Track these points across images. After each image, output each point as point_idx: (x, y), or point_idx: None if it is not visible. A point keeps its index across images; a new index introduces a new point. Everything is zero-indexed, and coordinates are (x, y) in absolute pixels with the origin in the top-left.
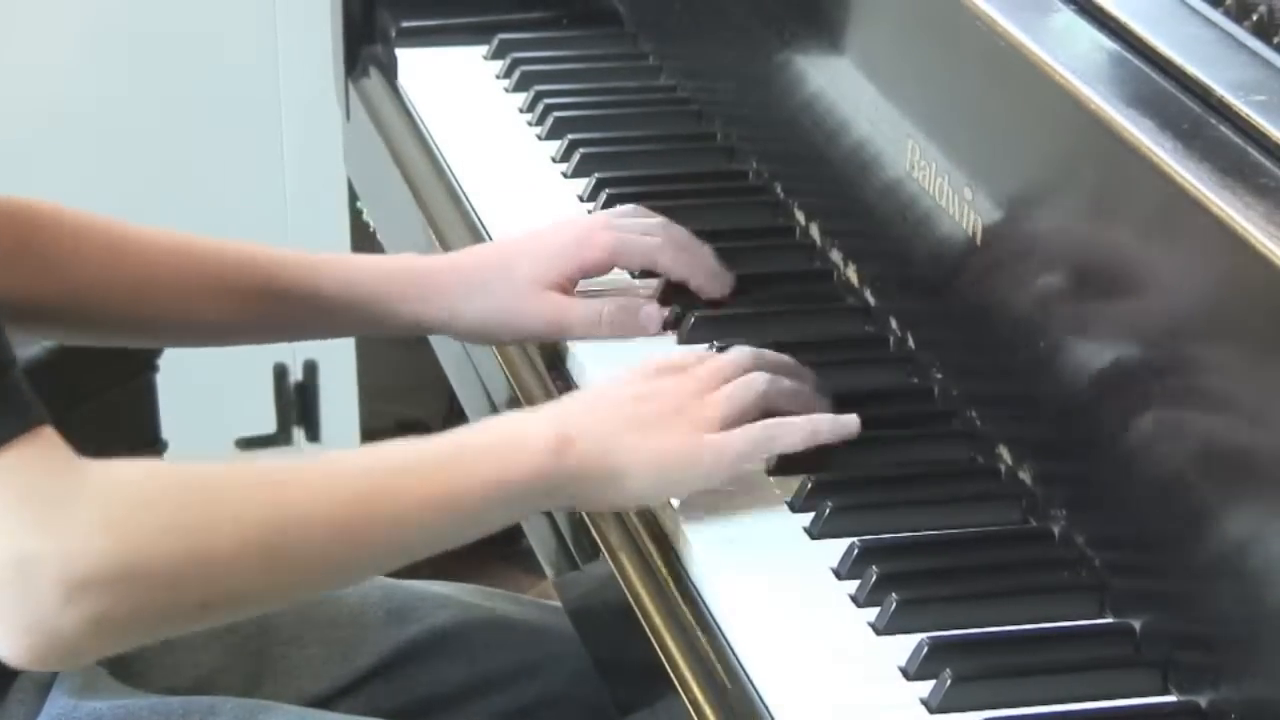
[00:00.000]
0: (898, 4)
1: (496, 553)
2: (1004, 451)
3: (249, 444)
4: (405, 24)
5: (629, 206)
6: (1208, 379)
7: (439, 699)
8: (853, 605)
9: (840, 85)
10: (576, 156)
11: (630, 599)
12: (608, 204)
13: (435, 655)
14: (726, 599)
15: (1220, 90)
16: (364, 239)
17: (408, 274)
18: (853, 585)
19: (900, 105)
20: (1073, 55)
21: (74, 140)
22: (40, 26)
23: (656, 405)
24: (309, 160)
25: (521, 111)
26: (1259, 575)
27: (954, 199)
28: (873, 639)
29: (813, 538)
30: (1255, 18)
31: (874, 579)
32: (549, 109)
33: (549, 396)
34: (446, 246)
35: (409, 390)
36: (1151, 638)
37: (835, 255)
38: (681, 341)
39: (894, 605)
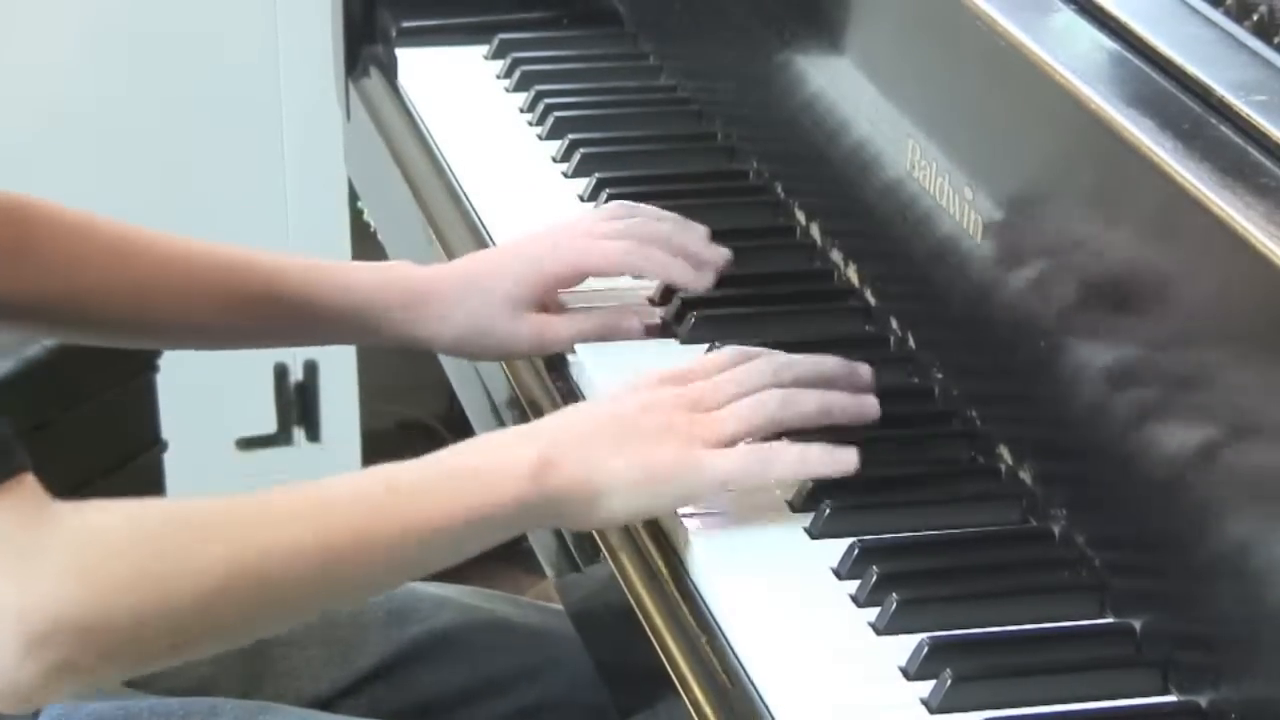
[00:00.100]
0: (898, 4)
1: (497, 553)
2: (1004, 451)
3: (249, 444)
4: (405, 24)
5: (613, 205)
6: (1208, 379)
7: (439, 701)
8: (853, 605)
9: (840, 85)
10: (577, 156)
11: (631, 599)
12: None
13: (436, 657)
14: (727, 599)
15: (1220, 90)
16: (364, 239)
17: (400, 286)
18: (853, 585)
19: (900, 105)
20: (1073, 55)
21: (74, 140)
22: (40, 26)
23: (648, 422)
24: (309, 160)
25: (522, 111)
26: (1259, 575)
27: (954, 199)
28: (873, 639)
29: (813, 538)
30: (1255, 18)
31: (874, 579)
32: (549, 109)
33: (549, 396)
34: (446, 246)
35: (409, 390)
36: (1151, 638)
37: (835, 255)
38: (683, 341)
39: (894, 605)
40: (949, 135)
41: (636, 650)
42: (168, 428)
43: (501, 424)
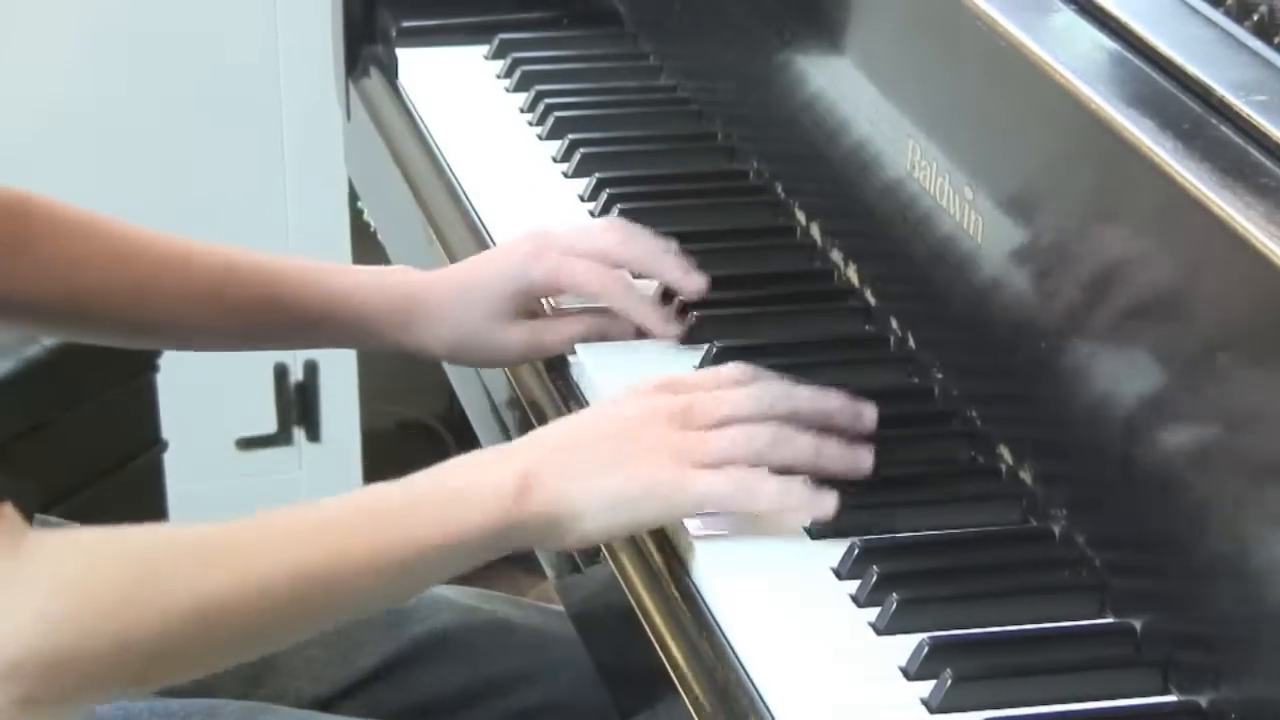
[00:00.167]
0: (898, 4)
1: None
2: (1004, 451)
3: (249, 444)
4: (405, 24)
5: (610, 222)
6: (1208, 379)
7: (439, 702)
8: (853, 605)
9: (840, 85)
10: (577, 156)
11: (631, 599)
12: (608, 204)
13: (436, 658)
14: (727, 599)
15: (1220, 90)
16: (364, 239)
17: (395, 294)
18: (853, 585)
19: (900, 105)
20: (1073, 55)
21: (74, 140)
22: (40, 26)
23: (635, 436)
24: (309, 160)
25: (522, 111)
26: (1259, 575)
27: (954, 199)
28: (873, 639)
29: (812, 538)
30: (1255, 18)
31: (874, 579)
32: (549, 109)
33: (549, 396)
34: (446, 246)
35: (409, 390)
36: (1151, 638)
37: (835, 255)
38: (683, 341)
39: (894, 605)
40: (949, 135)
41: (637, 651)
42: (168, 428)
43: (501, 424)
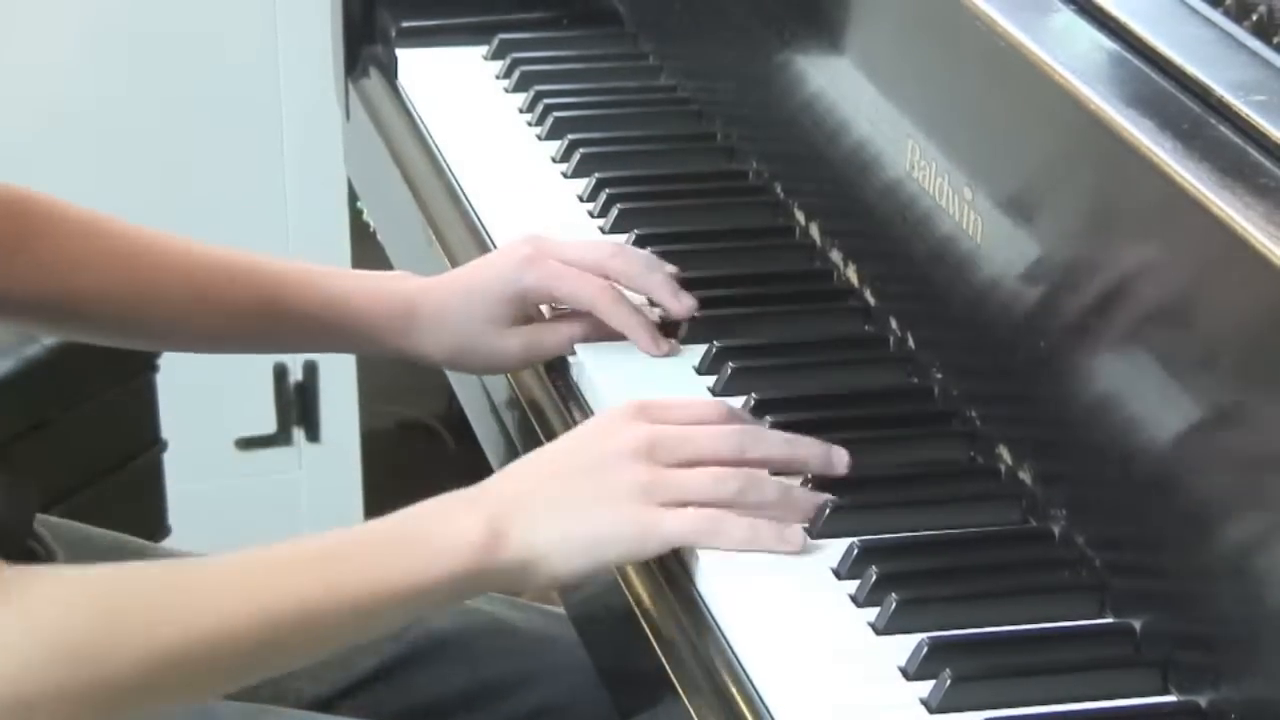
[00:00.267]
0: (898, 4)
1: None
2: (1004, 451)
3: (249, 444)
4: (405, 24)
5: (605, 243)
6: (1207, 379)
7: (439, 704)
8: (853, 605)
9: (840, 85)
10: (576, 156)
11: (631, 599)
12: (607, 204)
13: (436, 660)
14: (726, 599)
15: (1220, 90)
16: (364, 239)
17: (394, 301)
18: (853, 585)
19: (900, 105)
20: (1073, 55)
21: (74, 140)
22: (40, 26)
23: (603, 476)
24: (309, 160)
25: (521, 111)
26: (1259, 575)
27: (954, 199)
28: (873, 639)
29: (813, 538)
30: (1255, 18)
31: (874, 579)
32: (549, 109)
33: (549, 397)
34: (446, 247)
35: (409, 390)
36: (1151, 638)
37: (835, 255)
38: (682, 341)
39: (894, 605)
40: (949, 135)
41: (637, 652)
42: (168, 428)
43: (501, 424)
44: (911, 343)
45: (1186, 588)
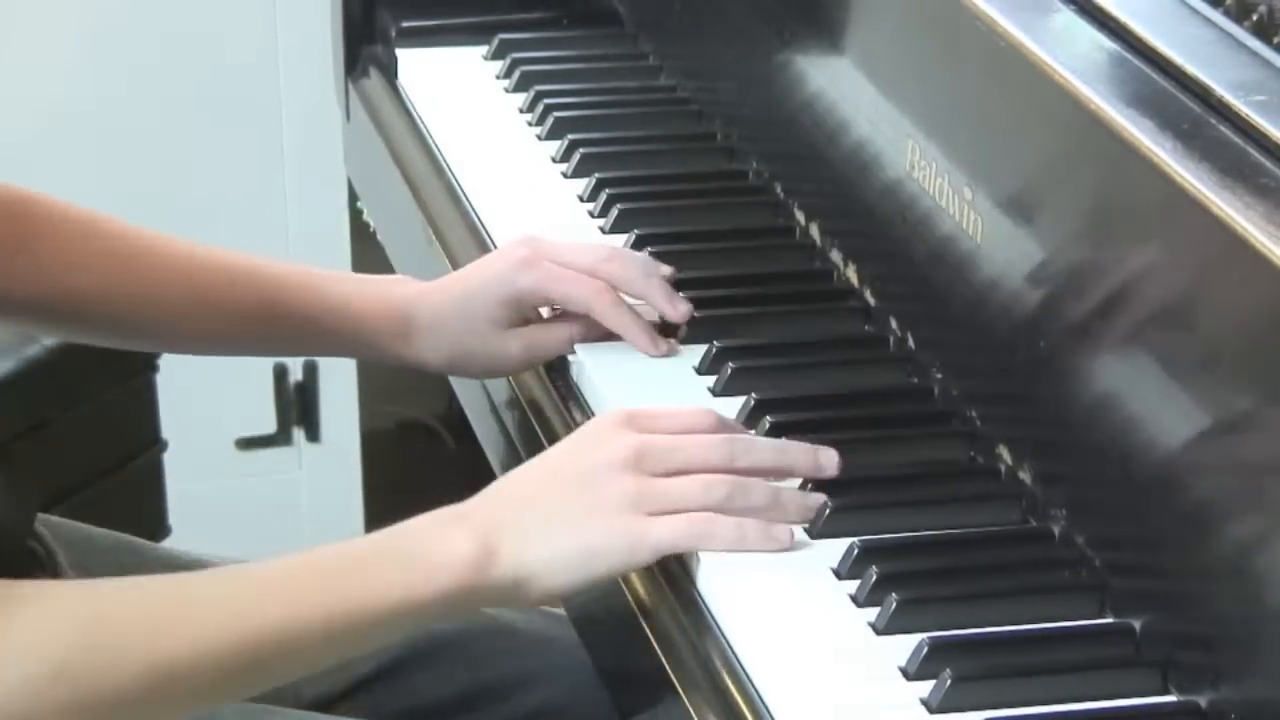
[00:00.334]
0: (898, 4)
1: None
2: (1004, 451)
3: (249, 444)
4: (405, 24)
5: (600, 248)
6: (1207, 379)
7: (439, 705)
8: (853, 605)
9: (840, 85)
10: (576, 156)
11: (631, 599)
12: (607, 204)
13: (436, 661)
14: (727, 599)
15: (1220, 90)
16: (364, 239)
17: (393, 308)
18: (853, 585)
19: (900, 105)
20: (1073, 55)
21: (74, 140)
22: (40, 26)
23: (591, 489)
24: (309, 160)
25: (521, 111)
26: (1259, 575)
27: (954, 199)
28: (873, 639)
29: (813, 538)
30: (1255, 18)
31: (874, 579)
32: (549, 109)
33: (549, 397)
34: (446, 247)
35: (409, 390)
36: (1151, 638)
37: (835, 255)
38: (682, 341)
39: (894, 605)
40: (949, 135)
41: (637, 652)
42: (168, 428)
43: (501, 424)
44: (911, 343)
45: (1186, 588)
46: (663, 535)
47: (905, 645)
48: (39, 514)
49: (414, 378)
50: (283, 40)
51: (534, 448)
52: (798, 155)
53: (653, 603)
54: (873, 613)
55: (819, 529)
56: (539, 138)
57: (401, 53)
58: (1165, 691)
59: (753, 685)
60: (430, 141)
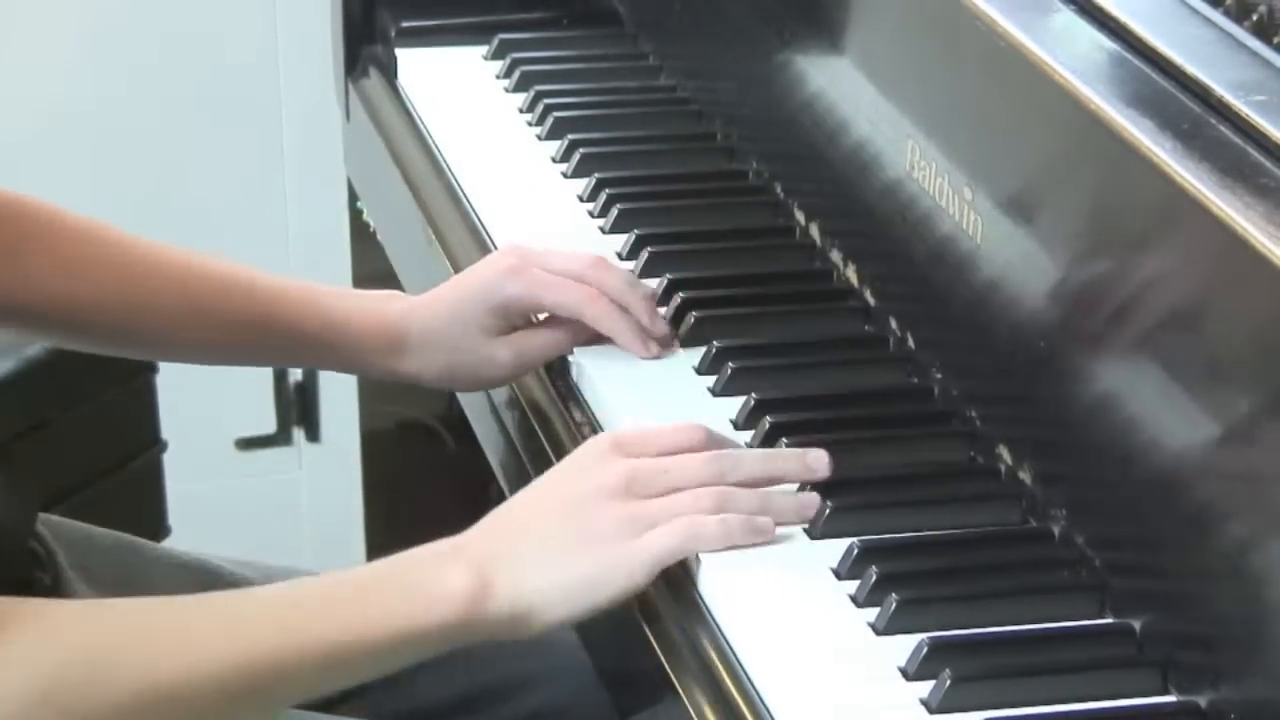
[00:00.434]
0: (898, 4)
1: None
2: (1004, 451)
3: (249, 444)
4: (405, 24)
5: (589, 255)
6: (1207, 379)
7: (440, 707)
8: (853, 605)
9: (840, 85)
10: (576, 156)
11: (631, 600)
12: (607, 204)
13: (436, 663)
14: (726, 599)
15: (1220, 90)
16: (364, 239)
17: (386, 326)
18: (853, 585)
19: (900, 105)
20: (1073, 55)
21: (74, 140)
22: (40, 26)
23: (585, 516)
24: (309, 160)
25: (521, 111)
26: (1259, 575)
27: (954, 199)
28: (873, 639)
29: (813, 538)
30: (1255, 18)
31: (874, 579)
32: (549, 109)
33: (549, 397)
34: (446, 247)
35: (409, 390)
36: (1151, 638)
37: (835, 255)
38: (683, 343)
39: (894, 605)
40: (949, 135)
41: (637, 652)
42: (168, 428)
43: (501, 424)
44: (911, 343)
45: (1186, 588)
46: (652, 549)
47: (905, 645)
48: (39, 514)
49: None
50: (283, 40)
51: (534, 448)
52: (798, 155)
53: (653, 603)
54: (873, 613)
55: (819, 529)
56: (539, 138)
57: (401, 53)
58: (1165, 691)
59: (753, 685)
60: (430, 141)
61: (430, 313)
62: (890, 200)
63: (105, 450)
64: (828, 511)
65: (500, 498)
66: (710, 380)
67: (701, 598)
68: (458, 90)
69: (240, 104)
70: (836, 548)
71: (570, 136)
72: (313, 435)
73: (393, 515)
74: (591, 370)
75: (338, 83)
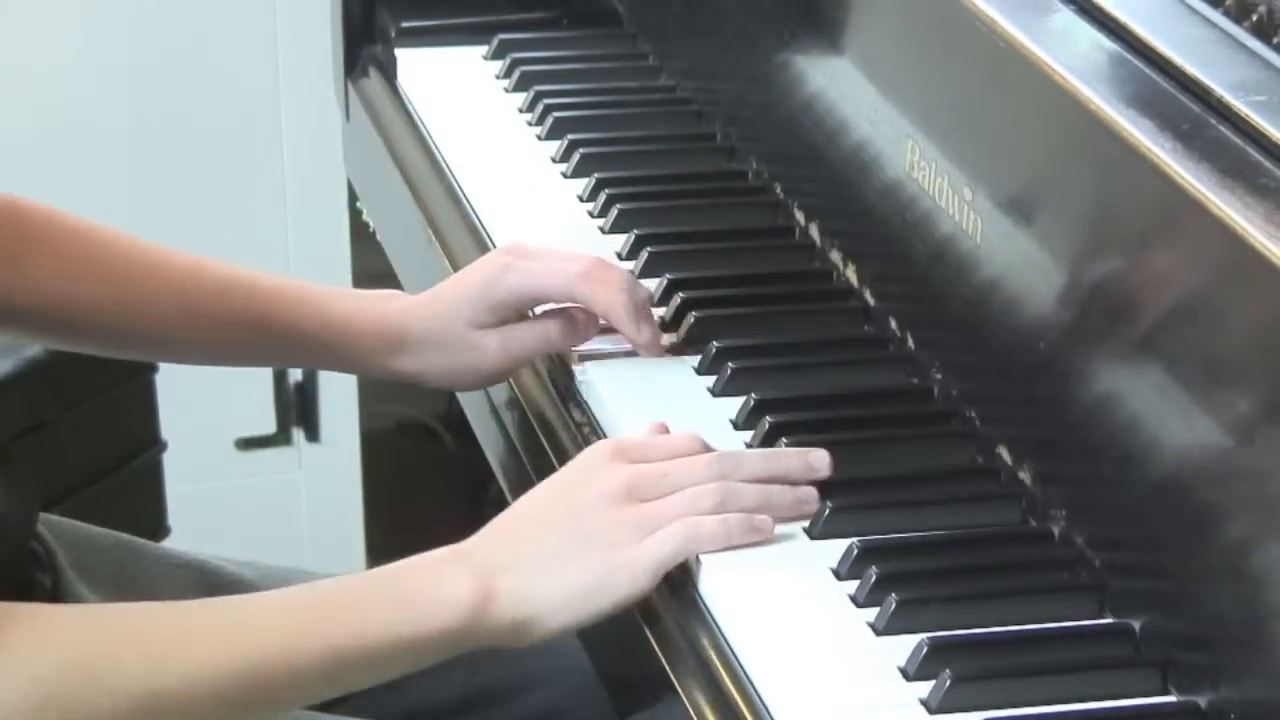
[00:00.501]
0: (898, 4)
1: None
2: (1004, 451)
3: (248, 444)
4: (405, 24)
5: (591, 257)
6: (1207, 379)
7: (440, 708)
8: (852, 605)
9: (840, 85)
10: (576, 156)
11: None
12: (607, 204)
13: (435, 665)
14: (726, 599)
15: (1220, 90)
16: (363, 239)
17: (384, 326)
18: (853, 585)
19: (900, 105)
20: (1073, 55)
21: (74, 141)
22: (40, 27)
23: (587, 523)
24: (309, 160)
25: (521, 111)
26: (1259, 575)
27: (954, 199)
28: (873, 639)
29: (813, 538)
30: (1255, 18)
31: (874, 579)
32: (549, 109)
33: (548, 398)
34: (446, 247)
35: (409, 390)
36: (1151, 638)
37: (835, 255)
38: (683, 341)
39: (894, 605)
40: (949, 135)
41: (637, 653)
42: (167, 428)
43: (501, 424)
44: (911, 343)
45: (1186, 588)
46: (654, 553)
47: (905, 645)
48: (39, 514)
49: None
50: (283, 40)
51: (534, 448)
52: (798, 155)
53: (653, 604)
54: (873, 613)
55: (819, 529)
56: (539, 138)
57: (401, 53)
58: (1165, 691)
59: (752, 685)
60: (430, 141)
61: (430, 312)
62: (890, 200)
63: (105, 450)
64: (828, 511)
65: (500, 498)
66: (710, 380)
67: (701, 598)
68: (457, 90)
69: (240, 104)
70: (836, 548)
71: (570, 136)
72: (312, 435)
73: (392, 515)
74: (591, 370)
75: (337, 83)
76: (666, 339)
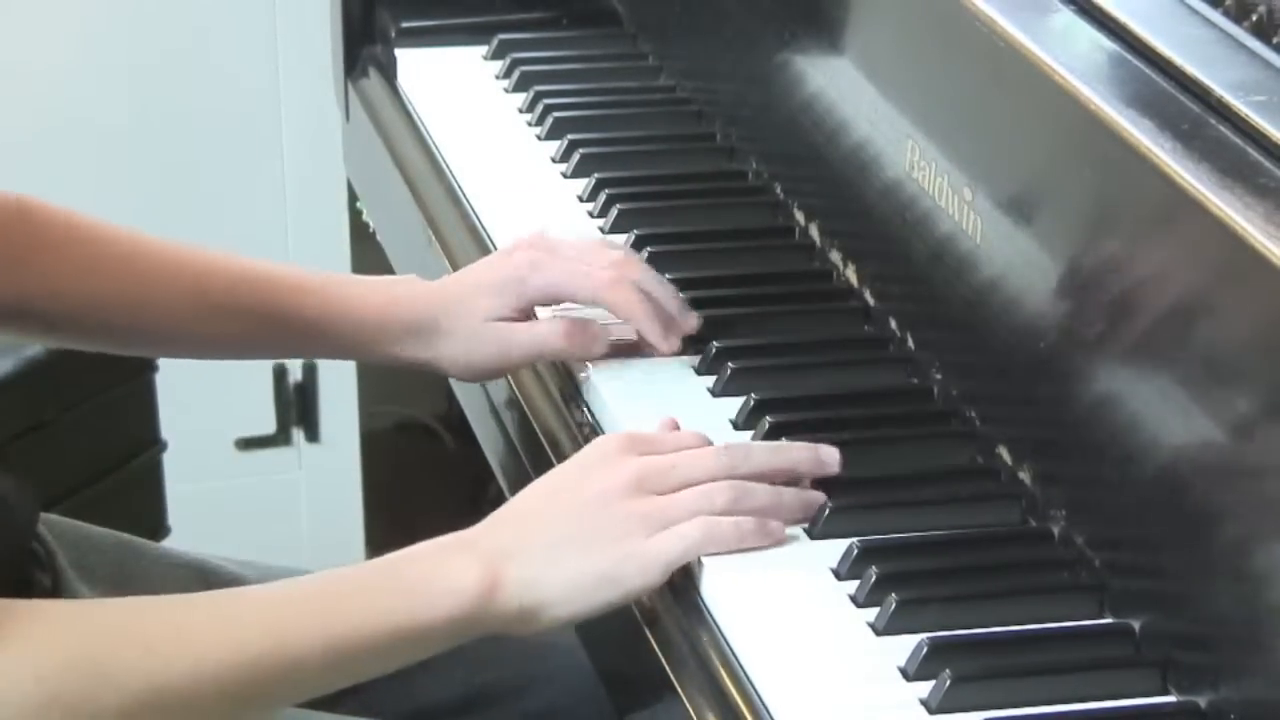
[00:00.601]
0: (898, 4)
1: None
2: (1004, 451)
3: (248, 444)
4: (405, 24)
5: (613, 248)
6: (1207, 379)
7: (440, 708)
8: (852, 605)
9: (840, 85)
10: (576, 157)
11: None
12: (607, 204)
13: (437, 664)
14: (727, 599)
15: (1220, 90)
16: (363, 239)
17: (403, 314)
18: (853, 585)
19: (900, 105)
20: (1073, 55)
21: (74, 141)
22: (40, 27)
23: (596, 514)
24: (309, 160)
25: (521, 111)
26: (1259, 575)
27: (954, 199)
28: (873, 639)
29: (813, 538)
30: (1255, 18)
31: (874, 579)
32: (549, 109)
33: (548, 398)
34: (445, 247)
35: (409, 390)
36: (1151, 638)
37: (835, 255)
38: (683, 344)
39: (894, 605)
40: (948, 135)
41: (637, 653)
42: (167, 428)
43: (500, 424)
44: (911, 343)
45: (1186, 588)
46: (667, 548)
47: (905, 645)
48: (39, 514)
49: (414, 377)
50: (283, 40)
51: (533, 448)
52: (798, 155)
53: (653, 604)
54: (873, 613)
55: (819, 529)
56: (539, 138)
57: (401, 53)
58: (1165, 691)
59: (753, 685)
60: (430, 142)
61: (453, 298)
62: (890, 200)
63: (105, 450)
64: (828, 511)
65: (500, 498)
66: (710, 380)
67: (701, 598)
68: (457, 90)
69: (240, 104)
70: (836, 548)
71: (570, 136)
72: (312, 435)
73: (392, 515)
74: (591, 370)
75: (337, 83)
76: (678, 341)
